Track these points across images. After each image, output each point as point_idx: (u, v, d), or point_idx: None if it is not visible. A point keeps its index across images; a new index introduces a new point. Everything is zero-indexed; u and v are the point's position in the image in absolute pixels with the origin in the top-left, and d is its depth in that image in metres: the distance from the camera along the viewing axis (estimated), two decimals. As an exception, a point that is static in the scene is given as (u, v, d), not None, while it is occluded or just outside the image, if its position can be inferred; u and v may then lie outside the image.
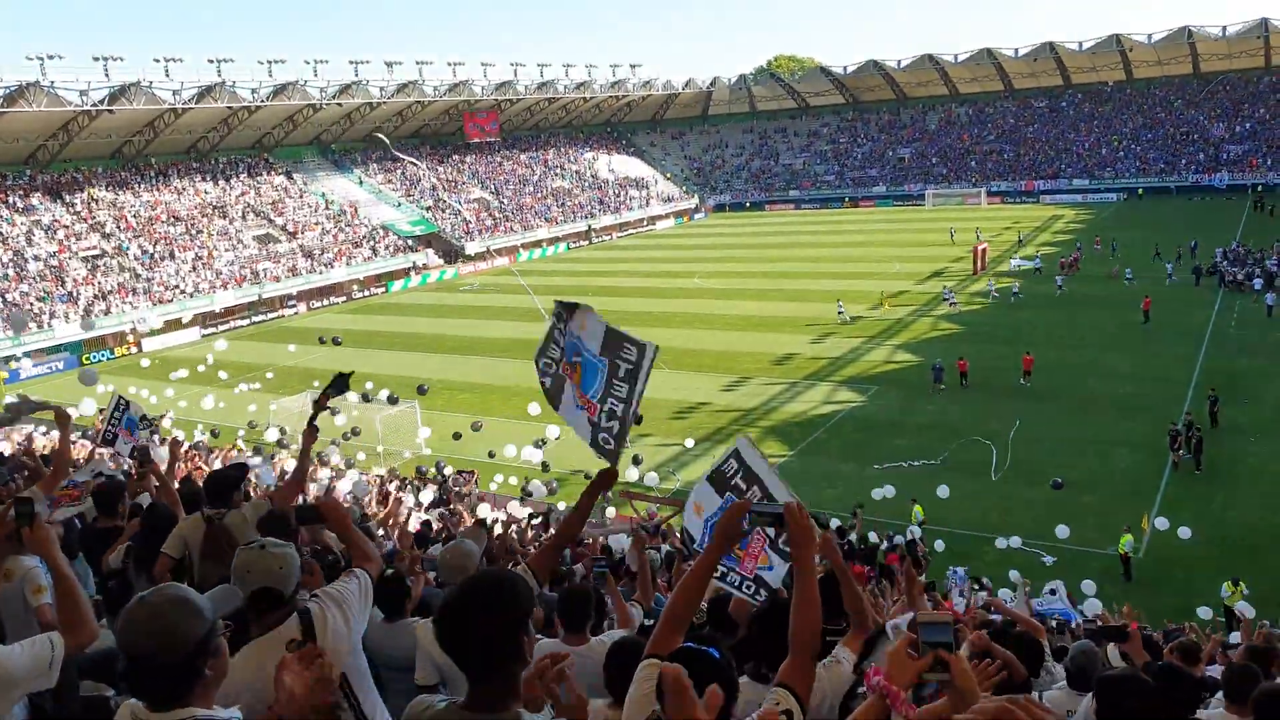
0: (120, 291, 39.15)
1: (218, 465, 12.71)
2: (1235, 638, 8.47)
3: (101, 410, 8.56)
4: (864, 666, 2.56)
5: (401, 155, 57.97)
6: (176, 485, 5.51)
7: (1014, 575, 11.78)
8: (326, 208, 52.60)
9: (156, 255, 42.76)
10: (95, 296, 38.39)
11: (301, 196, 52.83)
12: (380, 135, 56.23)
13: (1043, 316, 29.59)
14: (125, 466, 7.37)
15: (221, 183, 50.55)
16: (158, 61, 44.13)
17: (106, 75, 42.13)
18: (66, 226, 42.41)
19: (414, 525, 10.71)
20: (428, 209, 57.24)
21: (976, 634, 3.19)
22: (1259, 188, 51.55)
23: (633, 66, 74.40)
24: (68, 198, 44.16)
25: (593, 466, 3.62)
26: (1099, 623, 7.36)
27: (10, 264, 38.44)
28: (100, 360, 35.19)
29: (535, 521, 11.30)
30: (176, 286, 40.89)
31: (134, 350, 36.33)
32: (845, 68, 74.76)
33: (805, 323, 31.08)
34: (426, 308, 41.32)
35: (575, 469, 17.61)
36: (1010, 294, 32.74)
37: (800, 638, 2.04)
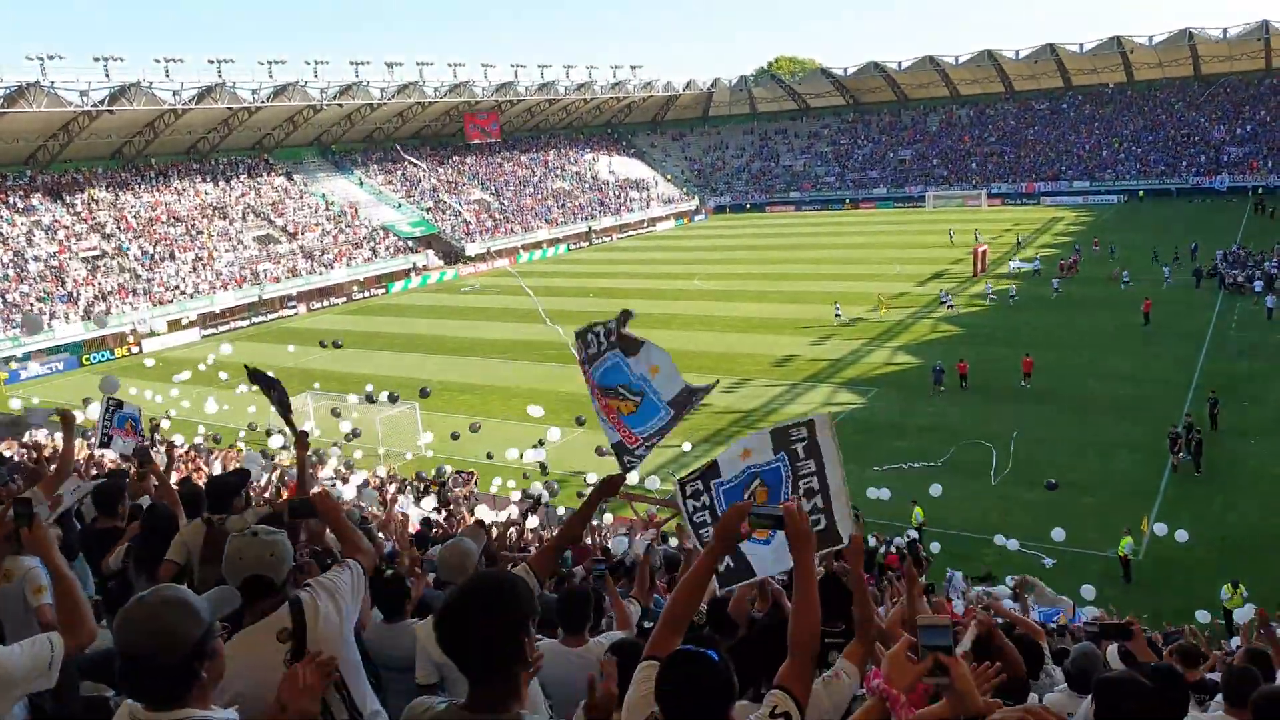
0: (120, 292, 39.17)
1: (217, 466, 12.71)
2: (1235, 642, 8.46)
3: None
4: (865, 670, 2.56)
5: (407, 157, 58.02)
6: (176, 486, 5.51)
7: (1009, 580, 11.78)
8: (327, 209, 52.63)
9: (157, 256, 42.78)
10: (95, 297, 38.41)
11: (302, 197, 52.86)
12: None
13: (1042, 319, 29.60)
14: (123, 467, 7.37)
15: (222, 183, 50.58)
16: (158, 62, 44.20)
17: (107, 76, 42.19)
18: (67, 227, 42.44)
19: (414, 526, 10.71)
20: (428, 210, 57.28)
21: (985, 617, 3.19)
22: (1260, 190, 51.57)
23: (633, 68, 74.57)
24: (68, 198, 44.20)
25: (592, 468, 3.64)
26: (1096, 625, 7.35)
27: (11, 264, 38.46)
28: (101, 360, 35.22)
29: (529, 520, 11.28)
30: (177, 287, 40.92)
31: (135, 350, 36.33)
32: (846, 69, 74.85)
33: (805, 324, 31.09)
34: (427, 309, 41.34)
35: (575, 470, 17.62)
36: (1007, 296, 32.75)
37: (799, 640, 2.04)
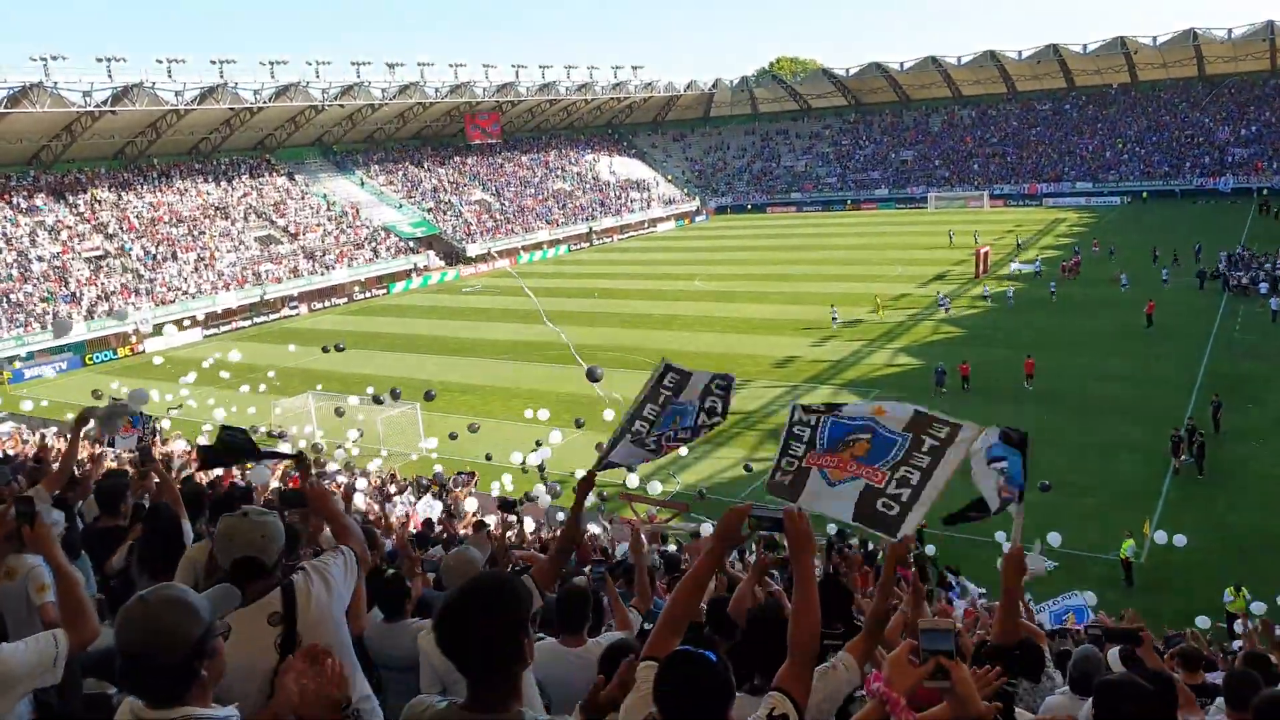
0: (123, 292, 39.25)
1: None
2: (1238, 645, 8.44)
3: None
4: (865, 671, 2.56)
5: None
6: (178, 485, 5.51)
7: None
8: (328, 209, 52.71)
9: (159, 256, 42.88)
10: (98, 297, 38.51)
11: (303, 198, 52.95)
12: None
13: (1043, 321, 29.55)
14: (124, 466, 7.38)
15: (223, 184, 50.68)
16: (160, 62, 44.29)
17: (110, 76, 42.29)
18: (70, 227, 42.55)
19: (417, 523, 10.71)
20: (429, 211, 57.35)
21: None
22: (1264, 191, 51.45)
23: (634, 68, 74.61)
24: (71, 198, 44.32)
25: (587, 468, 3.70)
26: (1100, 627, 7.33)
27: (14, 264, 38.57)
28: (103, 360, 35.30)
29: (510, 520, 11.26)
30: (179, 287, 41.00)
31: (141, 350, 36.40)
32: (848, 69, 74.81)
33: (806, 325, 31.07)
34: (428, 309, 41.37)
35: (576, 470, 17.60)
36: (1005, 298, 32.69)
37: (799, 642, 2.04)
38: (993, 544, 14.30)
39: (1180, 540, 13.25)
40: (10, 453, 11.23)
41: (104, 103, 42.34)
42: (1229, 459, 17.45)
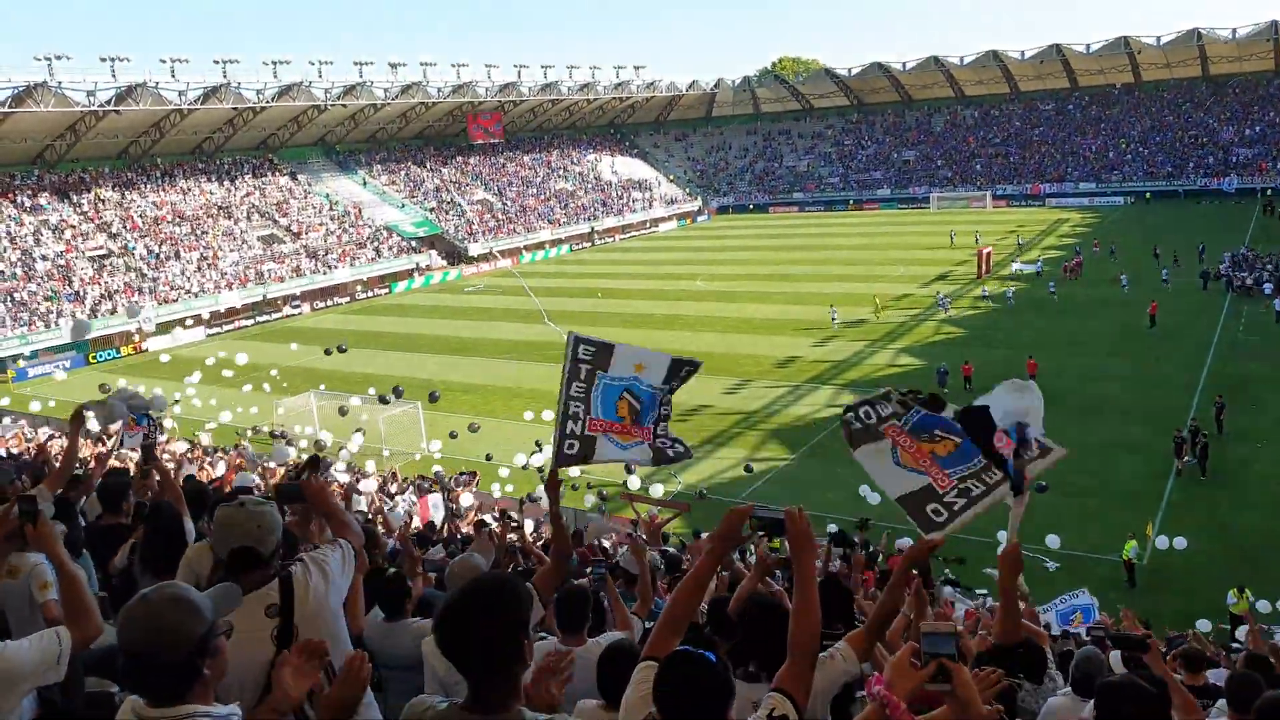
0: (126, 291, 39.35)
1: (221, 467, 12.76)
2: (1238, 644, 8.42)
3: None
4: (867, 673, 2.55)
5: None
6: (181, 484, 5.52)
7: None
8: (331, 209, 52.79)
9: (162, 255, 42.99)
10: (102, 296, 38.62)
11: (306, 197, 53.04)
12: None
13: (1044, 321, 29.51)
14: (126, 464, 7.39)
15: (226, 183, 50.79)
16: (164, 62, 44.48)
17: (113, 76, 42.41)
18: (74, 226, 42.68)
19: (422, 520, 10.72)
20: (431, 210, 57.41)
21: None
22: (1269, 191, 51.29)
23: (636, 68, 74.66)
24: (75, 198, 44.44)
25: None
26: (1103, 629, 7.31)
27: (19, 263, 38.69)
28: (107, 359, 35.39)
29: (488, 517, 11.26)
30: (182, 286, 41.10)
31: (143, 348, 36.49)
32: (850, 69, 74.74)
33: (808, 326, 31.05)
34: (429, 309, 41.42)
35: (579, 470, 17.60)
36: (1005, 298, 32.64)
37: (799, 643, 2.04)
38: (994, 543, 14.27)
39: (1181, 543, 13.22)
40: (14, 451, 11.26)
41: (108, 102, 42.46)
42: (1232, 460, 17.40)
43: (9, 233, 40.12)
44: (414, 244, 52.54)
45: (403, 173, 60.84)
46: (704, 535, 10.66)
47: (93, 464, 5.97)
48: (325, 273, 45.92)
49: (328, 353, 21.86)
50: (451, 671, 1.80)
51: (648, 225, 67.41)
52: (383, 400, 19.79)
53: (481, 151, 66.45)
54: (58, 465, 5.11)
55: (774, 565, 5.37)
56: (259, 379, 21.57)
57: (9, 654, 2.19)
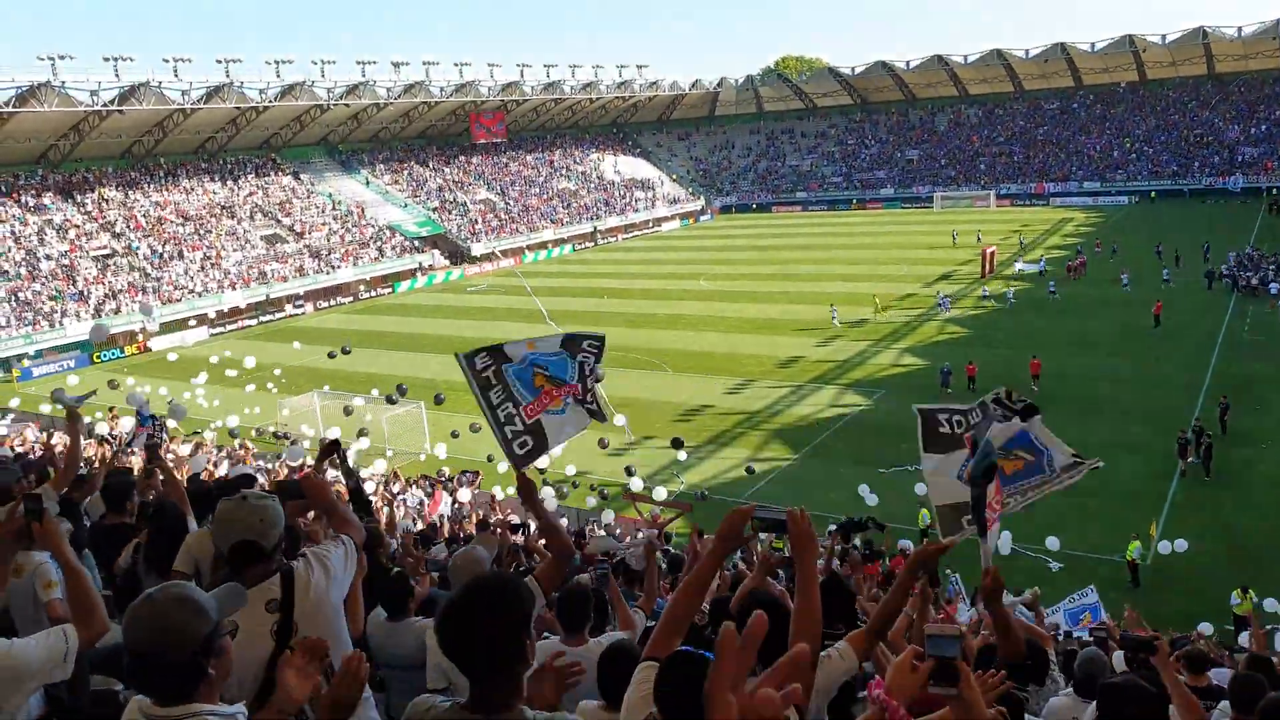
0: (130, 291, 39.48)
1: (224, 464, 12.80)
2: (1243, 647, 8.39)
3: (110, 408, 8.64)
4: (869, 674, 2.55)
5: None
6: (185, 484, 5.54)
7: (1026, 594, 11.69)
8: (334, 208, 52.88)
9: (165, 255, 43.11)
10: (106, 295, 38.74)
11: (309, 197, 53.14)
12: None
13: (1046, 321, 29.43)
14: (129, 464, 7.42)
15: (229, 183, 50.91)
16: (167, 62, 44.53)
17: (117, 75, 42.51)
18: (78, 226, 42.82)
19: (430, 512, 10.72)
20: (434, 210, 57.46)
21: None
22: (1275, 191, 51.05)
23: (639, 67, 74.59)
24: (79, 197, 44.59)
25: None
26: (1105, 630, 7.32)
27: (23, 263, 38.84)
28: (111, 359, 35.50)
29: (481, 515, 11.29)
30: (185, 286, 41.22)
31: (147, 348, 36.60)
32: (853, 68, 74.55)
33: (811, 325, 31.01)
34: (433, 309, 41.46)
35: (578, 470, 17.61)
36: (1005, 298, 32.55)
37: (799, 642, 2.04)
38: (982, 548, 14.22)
39: (1181, 545, 13.18)
40: (19, 449, 11.32)
41: (111, 102, 42.58)
42: (1236, 461, 17.34)
43: (13, 232, 40.27)
44: (417, 244, 52.60)
45: (405, 172, 60.91)
46: (705, 536, 10.65)
47: (97, 464, 5.99)
48: (328, 272, 46.00)
49: (331, 355, 21.91)
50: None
51: (650, 225, 67.37)
52: (389, 400, 19.82)
53: (484, 151, 66.49)
54: (62, 465, 5.13)
55: (777, 564, 5.37)
56: (262, 379, 21.62)
57: (16, 651, 2.20)
